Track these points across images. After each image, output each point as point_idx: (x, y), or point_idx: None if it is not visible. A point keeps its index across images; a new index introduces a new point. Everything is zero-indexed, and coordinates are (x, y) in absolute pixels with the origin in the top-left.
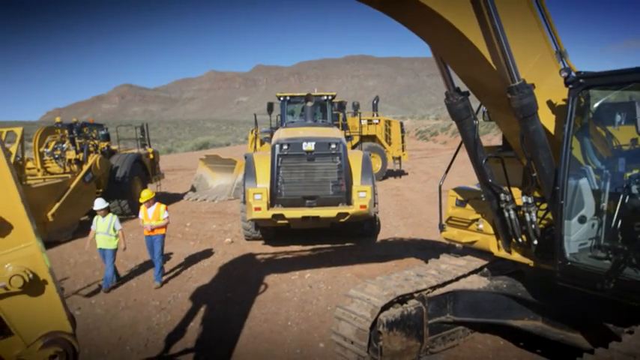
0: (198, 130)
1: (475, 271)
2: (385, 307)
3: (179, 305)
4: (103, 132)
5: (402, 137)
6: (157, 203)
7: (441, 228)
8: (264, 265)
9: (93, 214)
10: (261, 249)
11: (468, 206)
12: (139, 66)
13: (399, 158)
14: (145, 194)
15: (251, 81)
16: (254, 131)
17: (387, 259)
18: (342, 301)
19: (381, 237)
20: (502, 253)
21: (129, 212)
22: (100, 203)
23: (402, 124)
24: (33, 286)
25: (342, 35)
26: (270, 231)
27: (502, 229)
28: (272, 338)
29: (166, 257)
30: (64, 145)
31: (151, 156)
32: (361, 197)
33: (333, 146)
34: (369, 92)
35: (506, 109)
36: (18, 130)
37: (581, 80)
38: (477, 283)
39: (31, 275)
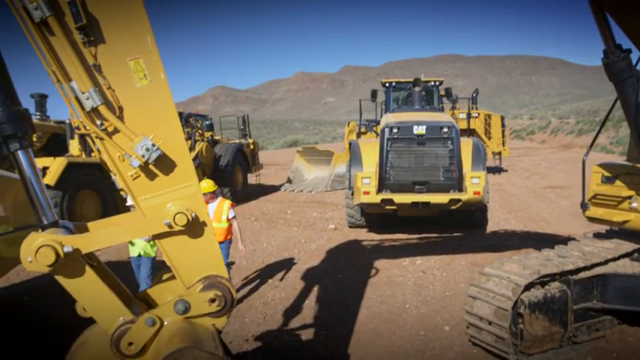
0: (286, 130)
1: (626, 255)
2: (527, 287)
3: (291, 284)
4: (207, 122)
5: (503, 132)
6: (219, 199)
7: (584, 207)
8: (372, 250)
9: None
10: (366, 236)
11: (618, 182)
12: (232, 68)
13: (499, 154)
14: (205, 185)
15: (338, 82)
16: (350, 124)
17: (503, 249)
18: (477, 279)
19: (490, 229)
20: None
21: (230, 199)
22: None
23: (502, 118)
24: (194, 226)
25: (429, 34)
26: (374, 218)
27: None
28: (392, 319)
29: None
30: None
31: (252, 146)
32: (474, 183)
33: (445, 130)
34: (459, 92)
35: None
36: None
37: None
38: (630, 267)
39: (193, 215)
